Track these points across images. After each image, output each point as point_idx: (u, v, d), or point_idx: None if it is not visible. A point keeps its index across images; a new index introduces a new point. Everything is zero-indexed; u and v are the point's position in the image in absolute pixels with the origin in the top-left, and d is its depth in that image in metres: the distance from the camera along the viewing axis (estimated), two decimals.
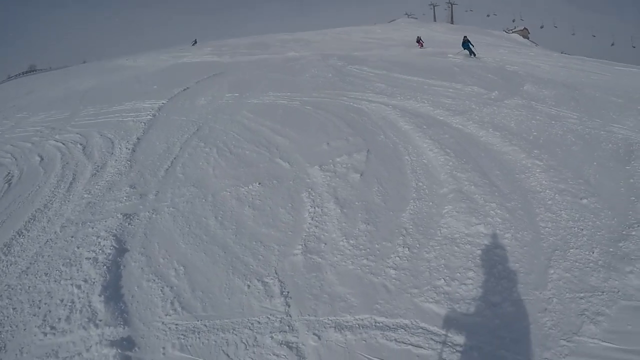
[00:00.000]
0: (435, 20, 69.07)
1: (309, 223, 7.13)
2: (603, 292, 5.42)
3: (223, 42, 41.17)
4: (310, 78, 17.89)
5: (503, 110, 12.30)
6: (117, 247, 6.85)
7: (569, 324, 4.95)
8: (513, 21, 79.58)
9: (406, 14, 77.20)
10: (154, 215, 7.70)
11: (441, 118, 11.67)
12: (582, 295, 5.38)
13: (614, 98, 14.00)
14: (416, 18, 72.08)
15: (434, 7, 72.00)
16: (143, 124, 12.88)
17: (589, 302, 5.26)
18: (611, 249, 6.21)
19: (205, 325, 5.23)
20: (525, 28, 66.25)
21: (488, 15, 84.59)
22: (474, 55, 23.14)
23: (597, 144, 9.82)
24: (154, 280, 6.04)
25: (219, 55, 28.92)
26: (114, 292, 5.88)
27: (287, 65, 21.84)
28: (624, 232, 6.60)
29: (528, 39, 59.59)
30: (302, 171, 8.81)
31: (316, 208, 7.51)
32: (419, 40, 31.79)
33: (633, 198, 7.54)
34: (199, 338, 5.05)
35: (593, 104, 13.22)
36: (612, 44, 77.72)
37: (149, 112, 14.04)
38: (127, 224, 7.51)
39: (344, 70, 19.04)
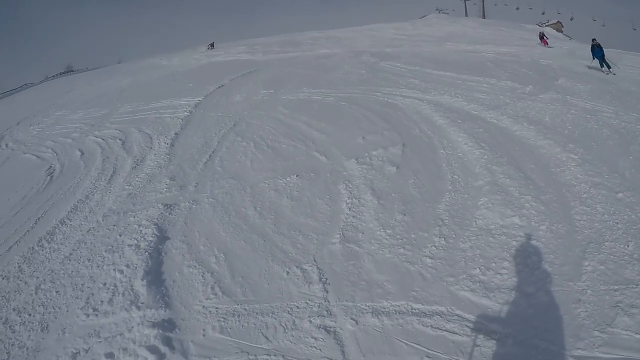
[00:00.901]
0: (466, 15, 67.99)
1: (347, 213, 7.25)
2: (637, 285, 5.37)
3: (255, 40, 41.51)
4: (343, 74, 17.98)
5: (537, 104, 12.19)
6: (158, 235, 7.07)
7: (603, 316, 4.93)
8: (543, 14, 77.60)
9: (437, 9, 76.20)
10: (194, 206, 7.92)
11: (475, 112, 11.65)
12: (616, 287, 5.36)
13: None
14: (447, 13, 71.05)
15: (465, 1, 71.01)
16: (180, 120, 13.19)
17: (623, 294, 5.23)
18: None
19: (245, 309, 5.37)
20: (558, 21, 64.54)
21: (517, 8, 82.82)
22: (609, 68, 16.87)
23: (633, 138, 9.66)
24: (195, 267, 6.22)
25: (252, 53, 29.27)
26: (155, 276, 6.08)
27: (320, 62, 21.97)
28: None
29: (562, 32, 58.22)
30: (338, 164, 8.94)
31: (353, 199, 7.62)
32: (542, 37, 29.15)
33: None
34: (238, 321, 5.18)
35: (629, 97, 12.97)
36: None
37: (185, 109, 14.36)
38: (167, 213, 7.74)
39: (377, 67, 19.07)
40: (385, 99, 13.31)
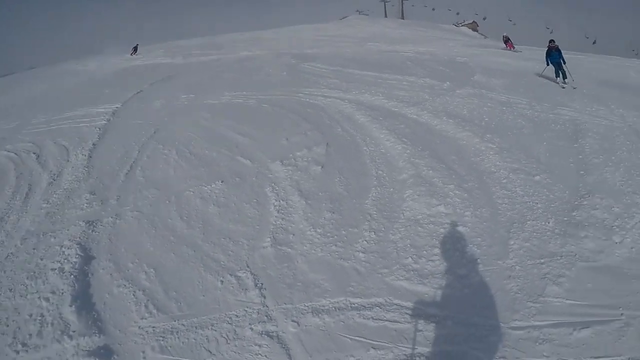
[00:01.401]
0: (386, 16, 69.76)
1: (275, 216, 7.25)
2: (562, 256, 5.91)
3: (174, 43, 40.46)
4: (265, 76, 17.91)
5: (455, 99, 12.81)
6: (82, 255, 6.66)
7: (534, 288, 5.37)
8: (458, 14, 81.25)
9: (357, 10, 77.85)
10: (117, 221, 7.57)
11: (396, 109, 12.03)
12: (542, 261, 5.84)
13: (562, 83, 14.75)
14: (367, 14, 72.62)
15: (384, 2, 72.77)
16: (98, 129, 12.58)
17: (550, 266, 5.73)
18: (565, 218, 6.76)
19: (183, 325, 5.22)
20: (474, 21, 67.78)
21: (433, 9, 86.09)
22: (564, 79, 15.06)
23: (547, 126, 10.45)
24: (125, 285, 5.94)
25: (172, 57, 28.51)
26: (84, 301, 5.73)
27: (241, 64, 21.77)
28: (576, 203, 7.19)
29: (477, 31, 61.18)
30: (263, 167, 8.90)
31: (281, 201, 7.64)
32: (507, 41, 27.00)
33: (582, 172, 8.18)
34: (178, 338, 5.03)
35: (541, 89, 14.01)
36: (551, 31, 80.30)
37: (103, 117, 13.70)
38: (90, 231, 7.32)
39: (298, 68, 19.16)
40: (307, 99, 13.41)
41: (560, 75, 15.09)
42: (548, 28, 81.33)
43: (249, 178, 8.52)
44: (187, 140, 10.69)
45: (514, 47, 26.24)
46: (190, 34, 55.08)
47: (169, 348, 4.91)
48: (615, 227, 6.51)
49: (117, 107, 14.78)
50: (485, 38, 51.52)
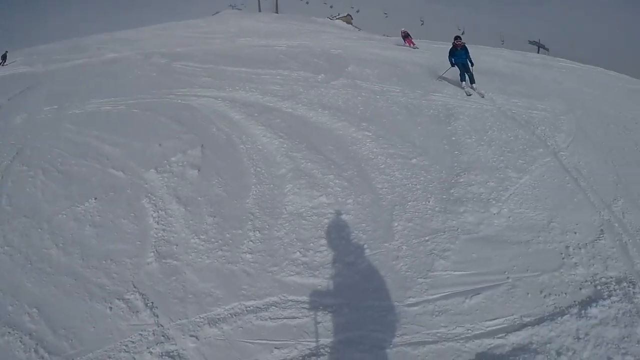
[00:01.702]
0: (260, 11, 69.28)
1: (156, 228, 7.12)
2: (445, 232, 6.52)
3: (34, 49, 37.20)
4: (134, 79, 17.16)
5: (330, 91, 13.24)
6: None
7: (422, 264, 5.86)
8: (331, 7, 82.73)
9: (230, 5, 76.41)
10: None
11: (271, 104, 12.20)
12: (427, 238, 6.38)
13: (433, 72, 15.66)
14: (241, 9, 71.63)
15: None
16: None
17: (435, 242, 6.29)
18: (444, 196, 7.42)
19: None
20: (348, 14, 69.36)
21: (307, 3, 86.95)
22: (471, 84, 13.38)
23: (420, 111, 11.23)
24: (9, 332, 5.45)
25: (31, 64, 26.24)
26: None
27: (108, 68, 20.58)
28: (452, 181, 7.93)
29: (352, 24, 62.91)
30: (138, 177, 8.63)
31: (159, 211, 7.51)
32: (406, 37, 25.32)
33: (457, 152, 9.01)
34: None
35: (413, 78, 14.90)
36: (422, 23, 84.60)
37: None
38: None
39: (169, 68, 18.58)
40: (180, 100, 13.14)
41: (467, 78, 13.35)
42: (422, 22, 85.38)
43: (123, 191, 8.22)
44: (54, 158, 9.99)
45: (413, 44, 24.62)
46: (51, 37, 50.88)
47: None
48: (491, 200, 7.29)
49: None
50: (359, 30, 53.19)
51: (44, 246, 7.06)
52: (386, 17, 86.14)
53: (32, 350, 5.20)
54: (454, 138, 9.68)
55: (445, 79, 14.64)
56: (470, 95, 12.89)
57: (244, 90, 13.70)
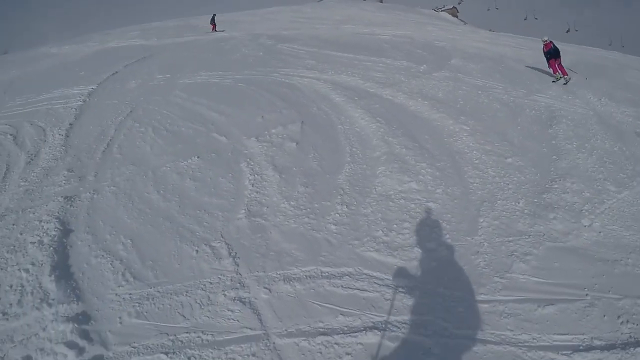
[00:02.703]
0: None
1: (250, 189, 7.41)
2: (530, 235, 6.14)
3: (149, 25, 39.69)
4: (241, 57, 17.86)
5: (431, 82, 13.05)
6: (61, 228, 6.73)
7: (501, 264, 5.58)
8: None
9: None
10: (95, 196, 7.64)
11: (372, 90, 12.23)
12: (510, 239, 6.07)
13: (538, 71, 15.02)
14: None
15: None
16: (74, 109, 12.50)
17: (518, 244, 5.96)
18: (535, 200, 7.01)
19: (159, 291, 5.34)
20: (454, 7, 68.03)
21: None
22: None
23: (521, 111, 10.75)
24: (103, 256, 6.04)
25: (146, 38, 28.00)
26: (63, 271, 5.81)
27: (217, 45, 21.57)
28: (546, 186, 7.45)
29: (457, 17, 61.48)
30: (239, 143, 9.04)
31: (255, 175, 7.80)
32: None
33: (555, 157, 8.47)
34: (154, 304, 5.15)
35: (517, 75, 14.26)
36: (525, 18, 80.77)
37: (78, 98, 13.60)
38: (68, 206, 7.39)
39: (275, 49, 19.13)
40: (283, 79, 13.52)
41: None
42: (526, 19, 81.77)
43: (224, 154, 8.65)
44: (163, 119, 10.73)
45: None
46: (166, 16, 54.02)
47: (145, 313, 5.04)
48: (584, 211, 6.76)
49: (92, 89, 14.63)
50: (465, 24, 51.81)
51: (147, 191, 7.65)
52: (488, 10, 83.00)
53: (120, 273, 5.70)
54: (553, 142, 9.15)
55: (546, 81, 13.97)
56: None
57: (346, 74, 13.84)
